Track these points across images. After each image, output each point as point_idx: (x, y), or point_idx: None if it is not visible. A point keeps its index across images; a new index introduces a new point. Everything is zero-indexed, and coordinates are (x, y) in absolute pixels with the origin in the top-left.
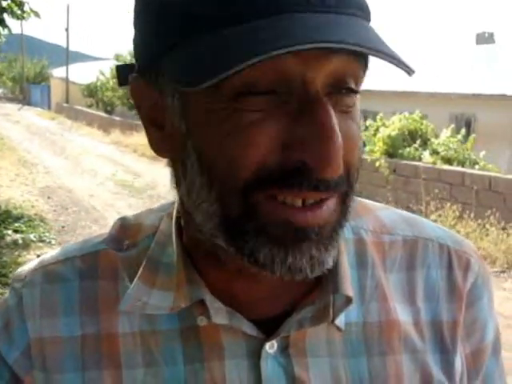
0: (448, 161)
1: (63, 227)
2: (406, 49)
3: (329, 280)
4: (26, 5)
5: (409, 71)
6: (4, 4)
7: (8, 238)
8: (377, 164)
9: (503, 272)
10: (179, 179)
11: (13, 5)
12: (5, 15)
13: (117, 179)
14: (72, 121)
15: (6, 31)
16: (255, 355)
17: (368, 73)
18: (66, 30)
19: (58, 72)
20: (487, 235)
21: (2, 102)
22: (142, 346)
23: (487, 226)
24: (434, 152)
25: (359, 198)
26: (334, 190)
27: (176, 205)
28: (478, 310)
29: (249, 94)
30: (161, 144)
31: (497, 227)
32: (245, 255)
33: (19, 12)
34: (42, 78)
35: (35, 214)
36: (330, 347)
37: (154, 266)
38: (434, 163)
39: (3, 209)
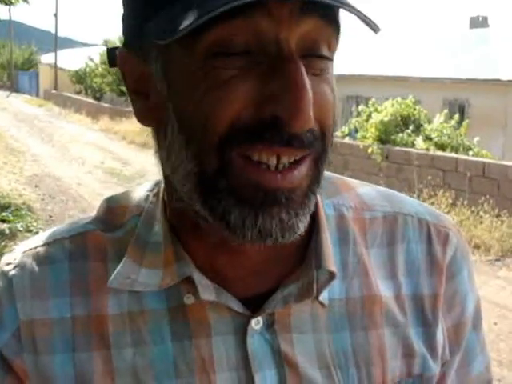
0: (441, 147)
1: (51, 217)
2: (399, 32)
3: (312, 256)
4: None
5: (375, 28)
6: None
7: None
8: (369, 150)
9: (497, 260)
10: (161, 147)
11: None
12: None
13: (105, 167)
14: (60, 108)
15: None
16: (241, 332)
17: (360, 57)
18: (55, 15)
19: (46, 58)
20: (481, 223)
21: None
22: (131, 326)
23: (481, 213)
24: (427, 138)
25: (338, 175)
26: (307, 147)
27: (162, 184)
28: (458, 283)
29: (223, 54)
30: (146, 113)
31: (491, 214)
32: (217, 217)
33: None
34: (30, 65)
35: (23, 203)
36: (314, 323)
37: (142, 244)
38: (427, 149)
39: None
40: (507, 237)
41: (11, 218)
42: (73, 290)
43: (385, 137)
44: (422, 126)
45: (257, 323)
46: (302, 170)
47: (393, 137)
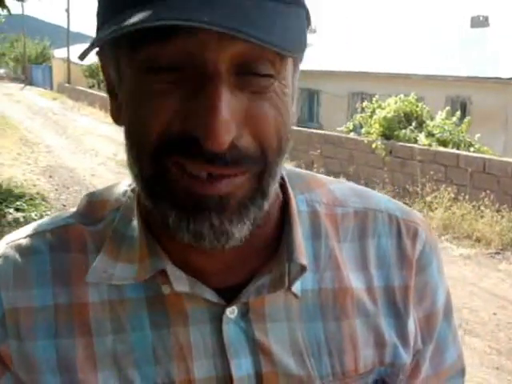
0: (443, 143)
1: (64, 206)
2: (402, 31)
3: (284, 250)
4: None
5: (287, 51)
6: None
7: (9, 217)
8: (373, 145)
9: (498, 253)
10: None
11: None
12: None
13: (118, 159)
14: (74, 101)
15: (5, 12)
16: (217, 320)
17: (364, 55)
18: (67, 10)
19: (59, 53)
20: (482, 217)
21: (5, 82)
22: (111, 314)
23: (482, 207)
24: (430, 134)
25: (311, 172)
26: (235, 166)
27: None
28: (428, 276)
29: (154, 69)
30: (116, 113)
31: (491, 209)
32: (161, 219)
33: None
34: (43, 59)
35: (37, 193)
36: (287, 313)
37: (119, 239)
38: (430, 145)
39: (5, 187)
40: (507, 231)
41: (25, 207)
42: (55, 279)
43: (388, 132)
44: (424, 122)
45: (232, 312)
46: (236, 181)
47: (396, 133)
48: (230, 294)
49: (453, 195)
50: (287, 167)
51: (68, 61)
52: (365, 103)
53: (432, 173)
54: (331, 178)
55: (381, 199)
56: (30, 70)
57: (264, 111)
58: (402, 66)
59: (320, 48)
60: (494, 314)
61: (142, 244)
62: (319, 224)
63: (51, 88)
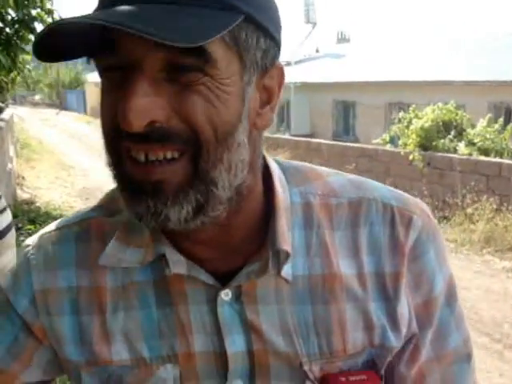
0: (485, 152)
1: None
2: (439, 36)
3: (269, 239)
4: (55, 12)
5: (178, 43)
6: (34, 13)
7: None
8: (410, 157)
9: None
10: None
11: (42, 13)
12: (35, 24)
13: None
14: None
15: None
16: (213, 302)
17: (400, 63)
18: None
19: (92, 77)
20: None
21: (41, 108)
22: (123, 295)
23: None
24: (470, 143)
25: (311, 165)
26: (165, 143)
27: None
28: (425, 264)
29: (105, 70)
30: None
31: None
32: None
33: (49, 20)
34: (77, 84)
35: None
36: (278, 296)
37: (130, 228)
38: (470, 154)
39: (43, 211)
40: None
41: None
42: (78, 265)
43: (426, 143)
44: (464, 130)
45: (226, 295)
46: (170, 167)
47: (434, 143)
48: (225, 279)
49: (495, 206)
50: (287, 162)
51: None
52: (401, 113)
53: (473, 183)
54: (331, 170)
55: (378, 189)
56: (64, 95)
57: (192, 100)
58: (441, 72)
59: (354, 58)
60: None
61: (148, 232)
62: (311, 214)
63: (85, 112)
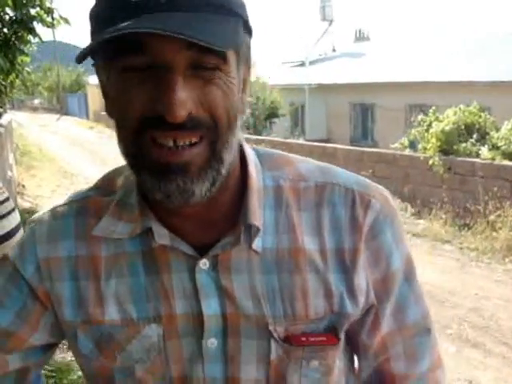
0: (509, 156)
1: None
2: (463, 35)
3: (242, 215)
4: (55, 12)
5: (217, 46)
6: (33, 12)
7: None
8: (430, 162)
9: None
10: None
11: (42, 12)
12: (34, 23)
13: None
14: (111, 129)
15: (37, 39)
16: (193, 270)
17: (422, 62)
18: None
19: (94, 79)
20: None
21: (40, 113)
22: (115, 264)
23: None
24: (494, 147)
25: (284, 153)
26: (192, 130)
27: None
28: (382, 242)
29: (130, 69)
30: (109, 109)
31: None
32: (142, 184)
33: (49, 20)
34: (78, 86)
35: None
36: (249, 266)
37: (122, 205)
38: (493, 159)
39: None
40: None
41: None
42: (77, 237)
43: (447, 147)
44: (488, 134)
45: (204, 264)
46: (195, 150)
47: (455, 147)
48: (203, 251)
49: None
50: (263, 149)
51: None
52: (420, 116)
53: (495, 189)
54: (301, 158)
55: (342, 175)
56: (64, 99)
57: (213, 93)
58: (465, 72)
59: (373, 57)
60: None
61: (138, 209)
62: (281, 196)
63: (87, 117)
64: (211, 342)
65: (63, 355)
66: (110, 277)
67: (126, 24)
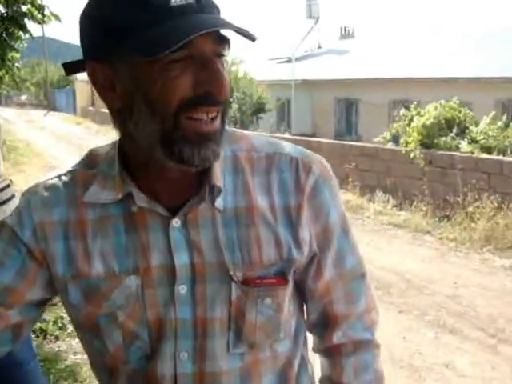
0: (488, 150)
1: None
2: (445, 32)
3: (207, 179)
4: (46, 8)
5: (252, 38)
6: (24, 9)
7: None
8: (411, 155)
9: None
10: (125, 119)
11: (33, 9)
12: (25, 20)
13: None
14: (98, 125)
15: (27, 36)
16: (166, 228)
17: (405, 59)
18: None
19: (82, 74)
20: None
21: (27, 109)
22: (101, 226)
23: None
24: (473, 141)
25: (241, 130)
26: (221, 106)
27: (118, 139)
28: (321, 200)
29: (173, 61)
30: (114, 100)
31: None
32: (174, 157)
33: (40, 16)
34: (66, 82)
35: None
36: (213, 222)
37: (105, 176)
38: (472, 152)
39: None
40: None
41: None
42: (67, 204)
43: (428, 141)
44: (467, 128)
45: (176, 223)
46: (217, 120)
47: (436, 141)
48: (175, 212)
49: (496, 204)
50: (228, 128)
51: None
52: (402, 111)
53: (474, 181)
54: (255, 133)
55: (288, 146)
56: (52, 94)
57: (226, 76)
58: (447, 69)
59: (358, 54)
60: None
61: (120, 178)
62: (238, 164)
63: (75, 112)
64: (182, 288)
65: (51, 345)
66: (96, 237)
67: (173, 22)
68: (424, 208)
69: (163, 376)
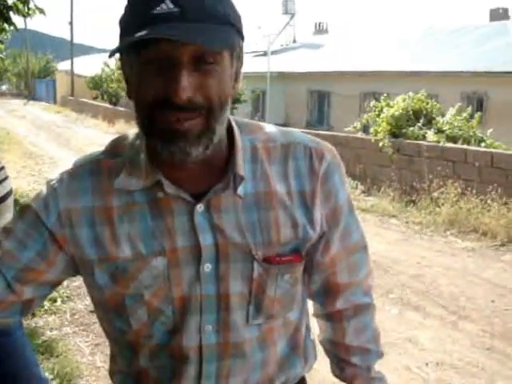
0: (453, 139)
1: None
2: (415, 28)
3: (230, 169)
4: (31, 2)
5: (212, 48)
6: (9, 2)
7: None
8: (380, 144)
9: (503, 245)
10: None
11: (18, 2)
12: (10, 13)
13: None
14: (77, 113)
15: (12, 28)
16: (191, 213)
17: (376, 53)
18: (70, 23)
19: (63, 65)
20: (489, 211)
21: (8, 98)
22: (127, 211)
23: (489, 201)
24: (439, 131)
25: (256, 122)
26: (191, 111)
27: None
28: (332, 184)
29: (147, 62)
30: (130, 92)
31: (498, 202)
32: (156, 149)
33: (25, 10)
34: (47, 73)
35: None
36: (235, 207)
37: (134, 165)
38: (438, 142)
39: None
40: None
41: None
42: (93, 192)
43: (396, 131)
44: (434, 119)
45: (200, 208)
46: (193, 122)
47: (404, 130)
48: (199, 198)
49: (460, 190)
50: (240, 119)
51: (72, 73)
52: (372, 102)
53: (439, 169)
54: (267, 124)
55: (300, 136)
56: (33, 84)
57: (210, 83)
58: (415, 63)
59: (331, 48)
60: (492, 301)
61: (147, 167)
62: (257, 154)
63: (55, 102)
64: (207, 267)
65: (28, 321)
66: (123, 222)
67: (150, 30)
68: (391, 194)
69: (189, 347)
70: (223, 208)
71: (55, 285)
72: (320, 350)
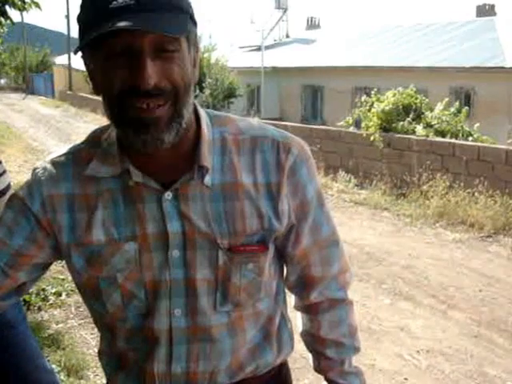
0: (441, 133)
1: None
2: (405, 23)
3: (196, 159)
4: None
5: (175, 35)
6: None
7: None
8: (371, 138)
9: (489, 237)
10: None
11: None
12: (6, 7)
13: None
14: (76, 108)
15: (8, 22)
16: (160, 201)
17: (367, 49)
18: (67, 16)
19: (60, 59)
20: (476, 203)
21: (6, 93)
22: (102, 198)
23: (476, 194)
24: (428, 125)
25: (229, 114)
26: (158, 97)
27: None
28: (299, 178)
29: (111, 55)
30: (96, 86)
31: (485, 195)
32: (127, 139)
33: (20, 3)
34: (44, 67)
35: None
36: (202, 197)
37: (106, 154)
38: (427, 136)
39: (13, 192)
40: (499, 215)
41: None
42: (73, 179)
43: (387, 125)
44: (423, 113)
45: (168, 196)
46: (162, 109)
47: (394, 125)
48: (168, 187)
49: (448, 183)
50: (213, 111)
51: (69, 67)
52: (363, 97)
53: (428, 162)
54: (241, 117)
55: (271, 130)
56: (31, 78)
57: (172, 68)
58: (405, 58)
59: (323, 43)
60: (480, 290)
61: (118, 155)
62: (226, 145)
63: (53, 96)
64: (175, 253)
65: (34, 315)
66: (97, 208)
67: (109, 24)
68: (383, 187)
69: (160, 330)
70: (191, 197)
71: (46, 267)
72: None
